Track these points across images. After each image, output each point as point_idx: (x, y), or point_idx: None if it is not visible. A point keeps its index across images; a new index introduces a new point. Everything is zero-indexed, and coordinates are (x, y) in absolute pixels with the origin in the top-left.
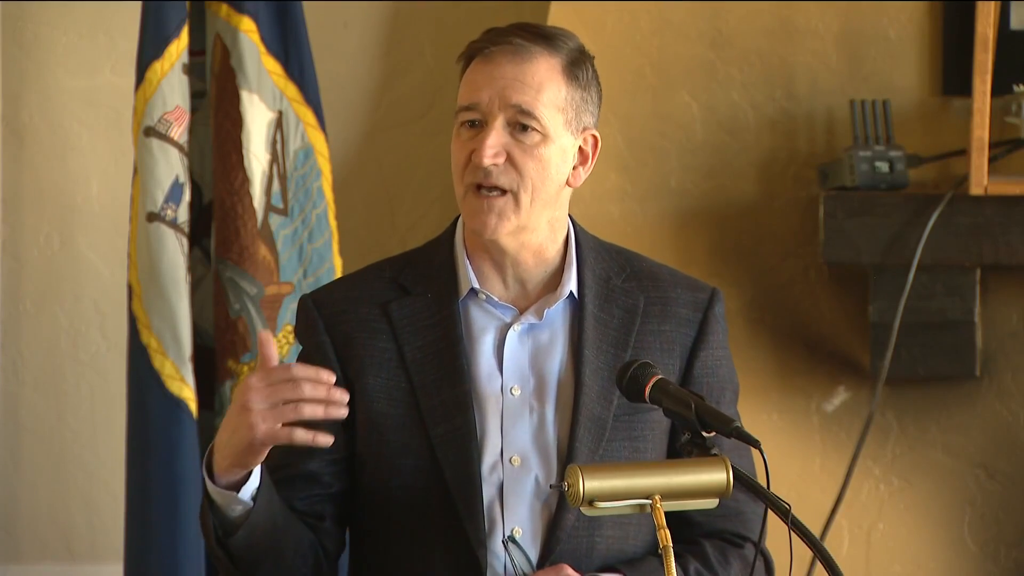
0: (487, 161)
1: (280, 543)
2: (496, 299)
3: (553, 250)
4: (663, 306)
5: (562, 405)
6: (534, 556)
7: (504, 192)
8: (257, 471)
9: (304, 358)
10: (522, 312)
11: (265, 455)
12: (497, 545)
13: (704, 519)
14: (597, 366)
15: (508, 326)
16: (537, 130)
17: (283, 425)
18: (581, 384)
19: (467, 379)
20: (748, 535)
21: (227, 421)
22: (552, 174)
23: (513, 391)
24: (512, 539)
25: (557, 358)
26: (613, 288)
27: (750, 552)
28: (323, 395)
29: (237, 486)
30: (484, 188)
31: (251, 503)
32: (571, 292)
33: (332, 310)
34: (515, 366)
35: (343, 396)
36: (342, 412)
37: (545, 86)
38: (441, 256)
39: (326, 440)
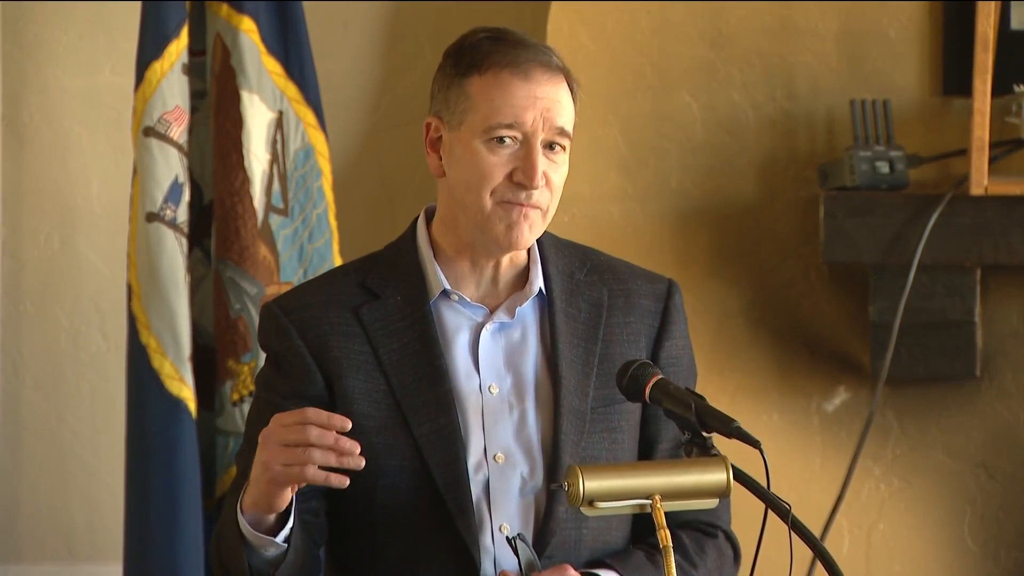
0: (540, 183)
1: (297, 563)
2: (468, 299)
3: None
4: (626, 298)
5: (542, 401)
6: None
7: (536, 207)
8: (293, 513)
9: (276, 364)
10: (492, 311)
11: (288, 496)
12: (487, 542)
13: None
14: (571, 360)
15: (481, 325)
16: (565, 149)
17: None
18: (559, 378)
19: (447, 379)
20: (717, 523)
21: (256, 456)
22: (562, 189)
23: (491, 389)
24: (520, 536)
25: (531, 355)
26: (577, 283)
27: (722, 540)
28: (330, 443)
29: (271, 528)
30: (518, 204)
31: (285, 545)
32: (539, 289)
33: (302, 315)
34: (491, 365)
35: (352, 447)
36: (357, 463)
37: (570, 106)
38: (406, 259)
39: (340, 482)
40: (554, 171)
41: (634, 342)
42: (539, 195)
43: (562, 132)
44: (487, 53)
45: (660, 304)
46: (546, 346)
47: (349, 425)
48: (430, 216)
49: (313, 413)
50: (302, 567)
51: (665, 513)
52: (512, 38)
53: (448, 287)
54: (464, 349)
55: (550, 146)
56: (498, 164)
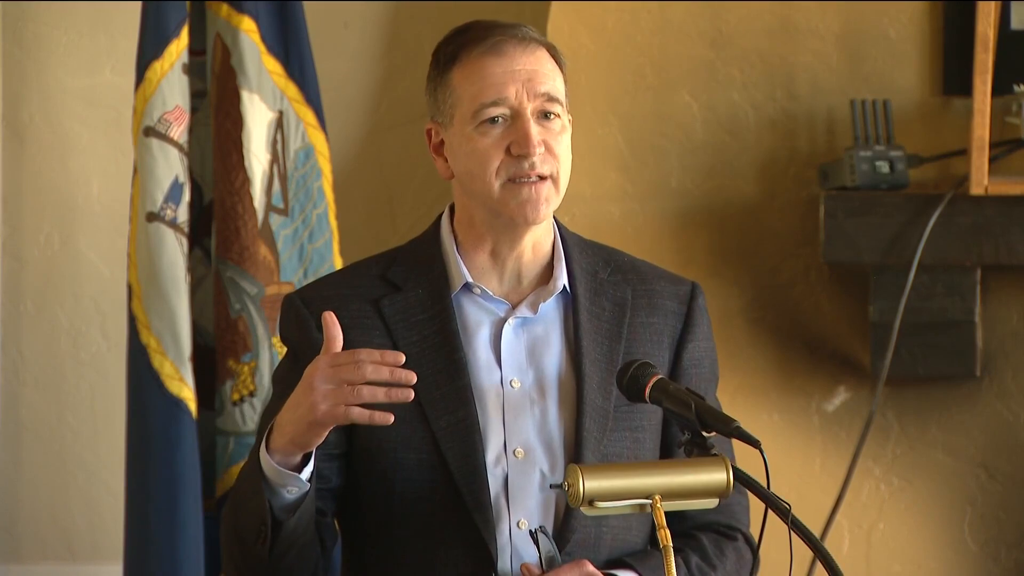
0: (538, 151)
1: (309, 533)
2: (491, 293)
3: (547, 244)
4: (649, 299)
5: (564, 398)
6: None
7: (544, 177)
8: (312, 459)
9: (294, 356)
10: (515, 306)
11: (324, 436)
12: (504, 537)
13: (696, 512)
14: (595, 358)
15: (503, 320)
16: (559, 116)
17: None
18: (583, 376)
19: (467, 372)
20: (737, 525)
21: (292, 400)
22: (570, 158)
23: (513, 384)
24: (542, 529)
25: (554, 351)
26: (601, 282)
27: (741, 542)
28: (386, 377)
29: (292, 468)
30: (528, 178)
31: (307, 485)
32: (563, 286)
33: (322, 307)
34: (513, 359)
35: (409, 377)
36: (407, 395)
37: (554, 74)
38: (429, 252)
39: (384, 418)
40: (552, 138)
41: (657, 342)
42: (542, 163)
43: (550, 98)
44: (460, 44)
45: (683, 306)
46: (569, 343)
47: (403, 359)
48: (454, 212)
49: (366, 352)
50: (311, 542)
51: (685, 515)
52: (482, 24)
53: (470, 280)
54: (485, 343)
55: (544, 115)
56: (493, 144)
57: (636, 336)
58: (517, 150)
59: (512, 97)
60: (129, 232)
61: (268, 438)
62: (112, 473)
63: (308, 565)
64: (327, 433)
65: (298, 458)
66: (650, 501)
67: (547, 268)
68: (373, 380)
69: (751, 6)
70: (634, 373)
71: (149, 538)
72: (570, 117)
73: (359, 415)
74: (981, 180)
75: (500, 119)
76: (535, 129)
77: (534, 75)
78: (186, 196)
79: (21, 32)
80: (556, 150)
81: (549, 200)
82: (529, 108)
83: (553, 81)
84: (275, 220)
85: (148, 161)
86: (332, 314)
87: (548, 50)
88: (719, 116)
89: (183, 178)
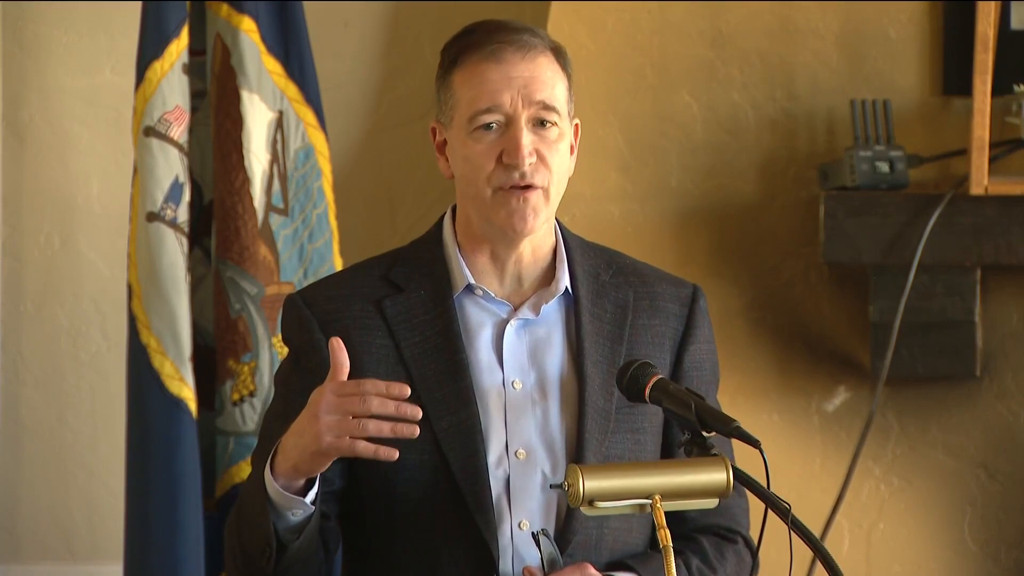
0: (528, 161)
1: (313, 546)
2: (492, 295)
3: (548, 246)
4: (651, 301)
5: (566, 399)
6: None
7: (534, 187)
8: (317, 480)
9: (295, 358)
10: (517, 308)
11: (328, 464)
12: (506, 538)
13: (696, 514)
14: (596, 359)
15: (505, 322)
16: (556, 124)
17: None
18: (584, 377)
19: (468, 373)
20: (737, 528)
21: (297, 425)
22: (567, 167)
23: (515, 385)
24: (544, 532)
25: (556, 353)
26: (603, 284)
27: (741, 546)
28: (391, 411)
29: (297, 491)
30: (517, 188)
31: (312, 508)
32: (565, 288)
33: (324, 308)
34: (515, 361)
35: (414, 413)
36: (412, 431)
37: (555, 81)
38: (432, 253)
39: (389, 454)
40: (547, 147)
41: (658, 344)
42: (533, 173)
43: (545, 106)
44: (464, 47)
45: (685, 308)
46: (571, 345)
47: (408, 391)
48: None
49: (371, 384)
50: (315, 553)
51: (685, 517)
52: (488, 26)
53: (472, 281)
54: (487, 344)
55: (541, 123)
56: (485, 151)
57: (637, 338)
58: (507, 159)
59: (507, 104)
60: (129, 232)
61: (272, 460)
62: (112, 473)
63: (312, 571)
64: (331, 462)
65: (302, 481)
66: (650, 501)
67: (549, 270)
68: (379, 414)
69: (751, 6)
70: (634, 373)
71: (149, 538)
72: (577, 122)
73: (364, 449)
74: (981, 180)
75: (494, 125)
76: (528, 138)
77: (531, 82)
78: (186, 196)
79: (21, 32)
80: (550, 160)
81: (538, 211)
82: (524, 116)
83: (552, 88)
84: (275, 220)
85: (148, 161)
86: (340, 341)
87: (554, 55)
88: (719, 116)
89: (183, 178)
